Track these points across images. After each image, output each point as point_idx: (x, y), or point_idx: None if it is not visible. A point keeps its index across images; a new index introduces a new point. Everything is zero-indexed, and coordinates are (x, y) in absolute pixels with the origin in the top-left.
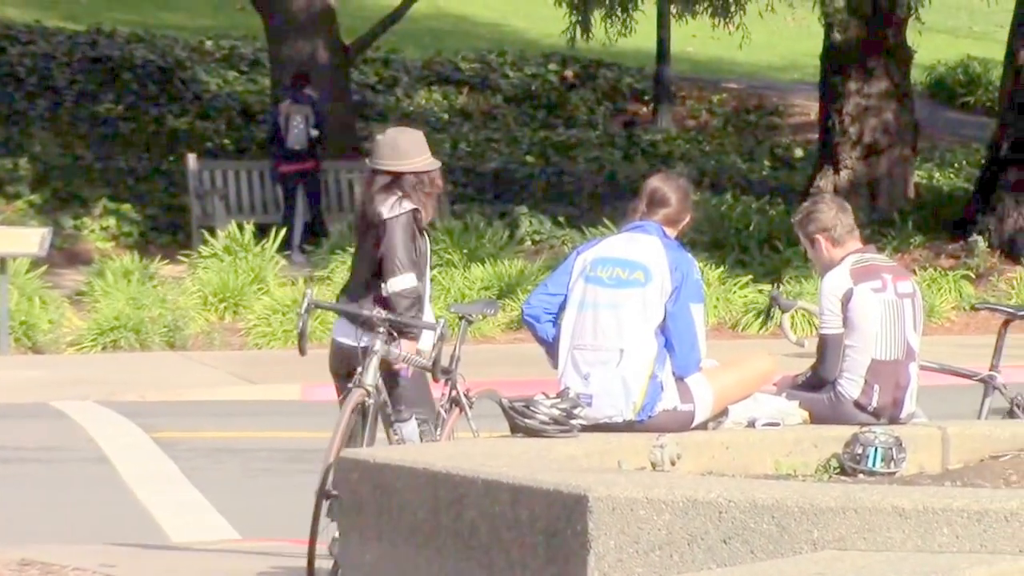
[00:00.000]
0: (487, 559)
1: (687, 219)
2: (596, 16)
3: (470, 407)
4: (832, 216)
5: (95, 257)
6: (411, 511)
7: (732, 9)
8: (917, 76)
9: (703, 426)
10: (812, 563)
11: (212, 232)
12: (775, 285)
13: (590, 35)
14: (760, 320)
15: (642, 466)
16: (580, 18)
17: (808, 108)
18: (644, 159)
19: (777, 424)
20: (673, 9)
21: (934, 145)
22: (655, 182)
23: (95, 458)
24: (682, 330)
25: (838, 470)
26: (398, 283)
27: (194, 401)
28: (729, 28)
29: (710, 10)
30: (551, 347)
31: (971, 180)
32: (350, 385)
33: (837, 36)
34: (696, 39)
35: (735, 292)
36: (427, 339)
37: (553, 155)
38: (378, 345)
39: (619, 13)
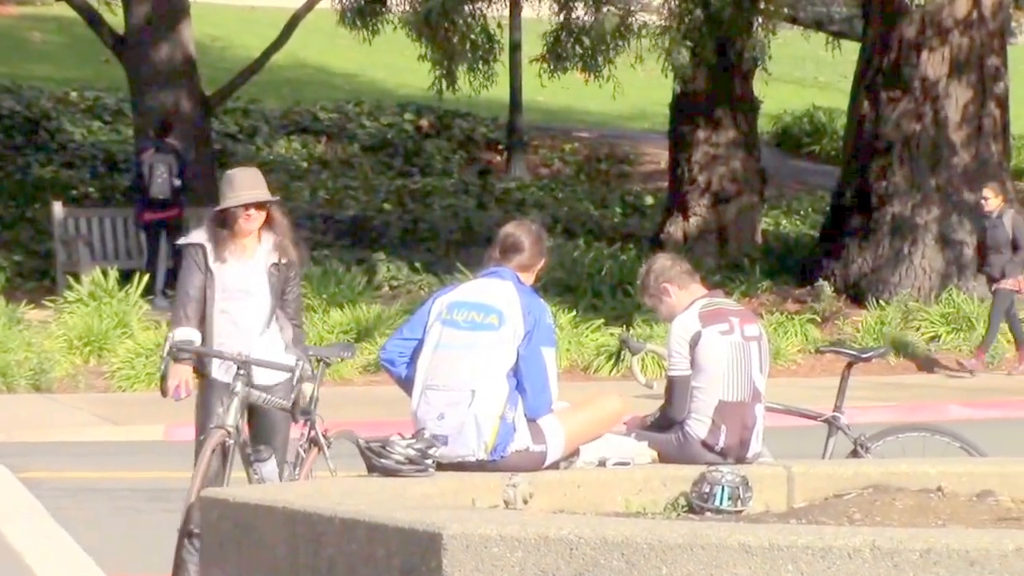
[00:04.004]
0: None
1: (541, 264)
2: (459, 70)
3: (328, 447)
4: (669, 264)
5: None
6: (270, 548)
7: (600, 63)
8: (764, 125)
9: (555, 466)
10: None
11: (77, 278)
12: (626, 328)
13: (456, 88)
14: (611, 362)
15: (496, 504)
16: (445, 72)
17: (658, 156)
18: (498, 206)
19: (627, 464)
20: (546, 65)
21: (781, 192)
22: (508, 229)
23: None
24: (534, 373)
25: (686, 508)
26: None
27: (59, 442)
28: (598, 80)
29: (580, 64)
30: (410, 387)
31: (816, 227)
32: (211, 426)
33: (685, 86)
34: (547, 89)
35: (587, 335)
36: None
37: (409, 202)
38: (239, 387)
39: (480, 66)
